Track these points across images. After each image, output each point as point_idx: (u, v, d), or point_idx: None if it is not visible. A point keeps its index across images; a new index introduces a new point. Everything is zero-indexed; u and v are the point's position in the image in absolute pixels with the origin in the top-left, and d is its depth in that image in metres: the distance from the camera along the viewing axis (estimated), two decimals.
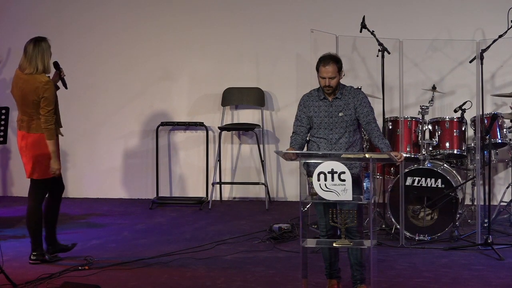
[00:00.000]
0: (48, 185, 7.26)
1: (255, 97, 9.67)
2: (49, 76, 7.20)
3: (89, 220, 8.83)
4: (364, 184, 6.15)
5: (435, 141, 8.07)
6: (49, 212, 7.32)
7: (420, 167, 7.90)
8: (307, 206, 7.29)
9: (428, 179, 7.83)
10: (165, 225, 8.65)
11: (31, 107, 7.14)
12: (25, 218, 7.28)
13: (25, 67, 7.14)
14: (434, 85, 8.66)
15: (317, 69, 6.28)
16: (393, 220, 7.93)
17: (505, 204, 8.60)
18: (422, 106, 8.10)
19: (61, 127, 7.33)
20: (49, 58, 7.20)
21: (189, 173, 9.88)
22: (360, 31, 8.39)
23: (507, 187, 8.65)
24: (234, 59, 9.77)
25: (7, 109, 7.02)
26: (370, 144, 8.18)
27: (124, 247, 7.77)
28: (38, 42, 7.15)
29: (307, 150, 6.42)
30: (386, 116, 8.28)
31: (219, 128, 9.60)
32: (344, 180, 5.88)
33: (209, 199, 9.51)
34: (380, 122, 6.38)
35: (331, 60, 6.23)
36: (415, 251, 7.59)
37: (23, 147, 7.22)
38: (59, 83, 7.41)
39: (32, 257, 7.22)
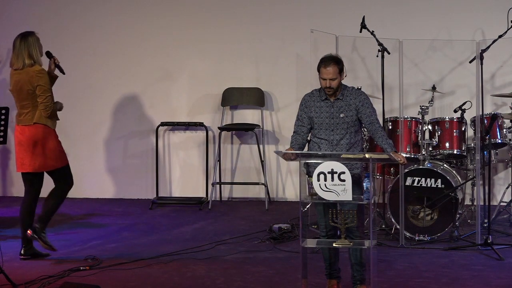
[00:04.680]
0: (67, 172, 7.36)
1: (255, 97, 9.67)
2: (43, 68, 7.26)
3: (89, 220, 8.83)
4: (364, 184, 6.16)
5: (435, 141, 8.07)
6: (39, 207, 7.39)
7: (420, 167, 7.90)
8: (307, 206, 7.30)
9: (428, 179, 7.83)
10: (165, 225, 8.65)
11: (27, 98, 7.23)
12: (46, 198, 7.36)
13: (13, 62, 7.27)
14: (434, 85, 8.66)
15: (318, 70, 6.27)
16: (393, 220, 7.93)
17: (505, 204, 8.60)
18: (422, 106, 8.10)
19: (58, 119, 7.38)
20: (38, 50, 7.27)
21: (189, 173, 9.88)
22: (360, 31, 8.40)
23: (507, 187, 8.65)
24: (234, 59, 9.78)
25: (7, 109, 7.03)
26: (370, 144, 8.18)
27: (124, 247, 7.77)
28: (25, 37, 7.27)
29: (308, 150, 6.42)
30: (386, 116, 8.28)
31: (219, 128, 9.60)
32: (344, 180, 5.88)
33: (209, 199, 9.51)
34: (380, 122, 6.38)
35: (332, 61, 6.22)
36: (415, 251, 7.59)
37: (22, 141, 7.25)
38: (57, 72, 7.46)
39: (30, 232, 7.27)
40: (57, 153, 7.29)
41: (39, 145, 7.22)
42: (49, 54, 7.48)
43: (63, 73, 7.49)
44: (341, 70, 6.25)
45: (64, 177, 7.37)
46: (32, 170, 7.26)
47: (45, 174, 7.40)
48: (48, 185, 7.46)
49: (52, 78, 7.45)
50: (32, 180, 7.35)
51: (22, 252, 7.35)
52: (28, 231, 7.25)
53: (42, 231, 7.31)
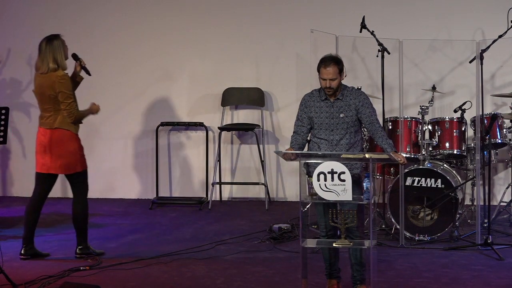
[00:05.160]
0: (85, 177, 7.40)
1: (255, 97, 9.67)
2: (66, 73, 7.27)
3: (89, 220, 8.81)
4: (364, 184, 6.16)
5: (435, 141, 8.07)
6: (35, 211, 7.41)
7: (420, 167, 7.90)
8: (307, 206, 7.29)
9: (428, 179, 7.83)
10: (165, 225, 8.65)
11: (48, 102, 7.22)
12: (72, 212, 7.39)
13: (39, 66, 7.25)
14: (434, 85, 8.66)
15: (318, 70, 6.27)
16: (393, 220, 7.93)
17: (505, 204, 8.60)
18: (422, 106, 8.10)
19: (81, 123, 7.43)
20: (63, 54, 7.26)
21: (189, 173, 9.88)
22: (360, 31, 8.40)
23: (507, 187, 8.65)
24: (234, 59, 9.78)
25: (7, 109, 7.04)
26: (370, 144, 8.18)
27: (124, 247, 7.77)
28: (50, 41, 7.24)
29: (308, 150, 6.42)
30: (386, 116, 8.28)
31: (219, 128, 9.60)
32: (344, 180, 5.88)
33: (209, 199, 9.51)
34: (380, 122, 6.38)
35: (332, 61, 6.22)
36: (415, 251, 7.59)
37: (43, 143, 7.25)
38: (82, 73, 7.46)
39: (78, 251, 7.36)
40: (78, 157, 7.31)
41: (60, 148, 7.22)
42: (75, 57, 7.46)
43: (89, 75, 7.50)
44: (341, 70, 6.25)
45: (82, 182, 7.39)
46: (53, 172, 7.27)
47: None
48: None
49: (77, 82, 7.46)
50: (47, 180, 7.36)
51: (22, 252, 7.35)
52: (76, 256, 7.35)
53: (87, 247, 7.38)
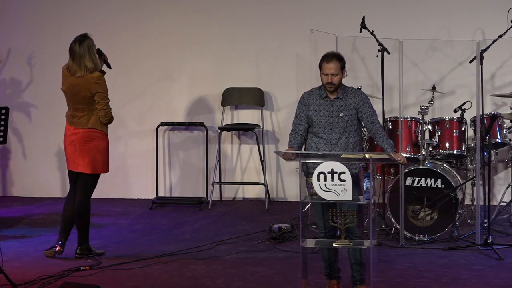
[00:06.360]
0: (96, 180, 7.36)
1: (255, 97, 9.67)
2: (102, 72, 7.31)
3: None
4: (364, 184, 6.15)
5: (435, 141, 8.07)
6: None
7: (420, 167, 7.90)
8: (307, 206, 7.29)
9: (428, 179, 7.83)
10: (165, 225, 8.65)
11: (82, 103, 7.23)
12: (74, 212, 7.35)
13: (75, 70, 7.19)
14: (434, 85, 8.66)
15: (320, 67, 6.28)
16: (393, 220, 7.93)
17: (505, 204, 8.61)
18: (422, 106, 8.10)
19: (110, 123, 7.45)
20: (96, 53, 7.27)
21: (189, 173, 9.88)
22: (360, 31, 8.40)
23: (507, 187, 8.65)
24: (234, 59, 9.77)
25: (7, 109, 7.04)
26: (370, 144, 8.18)
27: (124, 247, 7.77)
28: (82, 42, 7.20)
29: (305, 148, 6.42)
30: (386, 116, 8.28)
31: (219, 128, 9.60)
32: (344, 180, 5.88)
33: (209, 199, 9.51)
34: (380, 122, 6.38)
35: (334, 57, 6.24)
36: (415, 251, 7.59)
37: (74, 141, 7.26)
38: (104, 67, 7.48)
39: (78, 251, 7.35)
40: (105, 157, 7.33)
41: (90, 146, 7.23)
42: (100, 52, 7.46)
43: (110, 68, 7.54)
44: (342, 67, 6.27)
45: (93, 185, 7.34)
46: (81, 170, 7.26)
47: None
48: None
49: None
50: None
51: (59, 245, 7.35)
52: (76, 256, 7.35)
53: (87, 248, 7.38)
